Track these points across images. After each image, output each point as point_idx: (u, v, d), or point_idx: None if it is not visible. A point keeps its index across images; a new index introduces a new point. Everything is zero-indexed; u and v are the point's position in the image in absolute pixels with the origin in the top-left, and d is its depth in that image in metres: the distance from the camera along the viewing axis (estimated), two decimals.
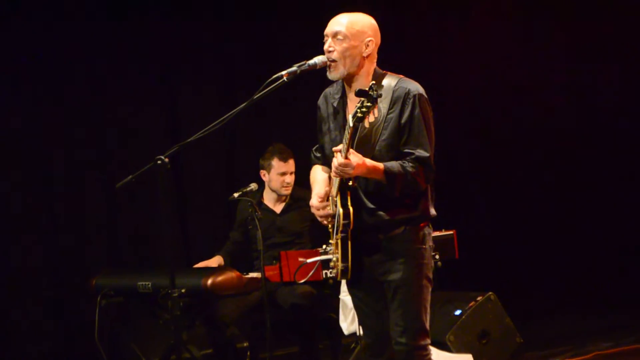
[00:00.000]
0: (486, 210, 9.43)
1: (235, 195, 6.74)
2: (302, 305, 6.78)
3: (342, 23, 4.56)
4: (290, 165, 7.29)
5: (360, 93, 4.24)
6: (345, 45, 4.53)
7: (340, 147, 4.44)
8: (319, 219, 4.70)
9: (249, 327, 7.09)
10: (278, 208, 7.37)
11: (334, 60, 4.55)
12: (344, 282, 4.82)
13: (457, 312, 7.01)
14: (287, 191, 7.31)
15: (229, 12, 8.67)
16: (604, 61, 9.36)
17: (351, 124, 4.29)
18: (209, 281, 6.40)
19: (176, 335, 5.42)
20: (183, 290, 5.21)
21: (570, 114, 9.49)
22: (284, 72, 4.60)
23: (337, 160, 4.39)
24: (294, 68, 4.61)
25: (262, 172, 7.36)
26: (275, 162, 7.27)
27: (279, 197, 7.36)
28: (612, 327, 8.26)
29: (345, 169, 4.37)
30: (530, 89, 9.45)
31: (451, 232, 6.86)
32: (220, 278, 6.45)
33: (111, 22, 8.17)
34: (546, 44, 9.43)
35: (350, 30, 4.54)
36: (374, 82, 4.28)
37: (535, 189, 9.51)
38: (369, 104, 4.23)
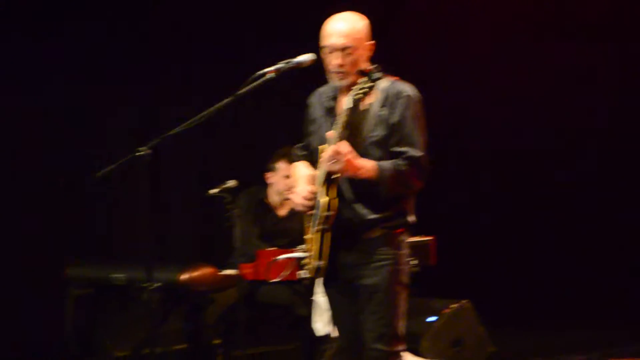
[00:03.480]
0: (466, 217, 9.41)
1: (213, 191, 6.65)
2: (280, 305, 6.75)
3: (346, 34, 4.51)
4: None
5: (360, 72, 4.34)
6: (354, 56, 4.52)
7: (331, 132, 4.42)
8: (302, 208, 4.62)
9: (223, 325, 7.05)
10: (282, 212, 7.31)
11: (344, 72, 4.54)
12: (318, 282, 4.77)
13: (432, 319, 7.00)
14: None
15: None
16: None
17: (351, 105, 4.35)
18: (185, 276, 6.37)
19: (149, 329, 5.38)
20: (159, 284, 5.18)
21: (552, 123, 9.48)
22: (270, 69, 4.58)
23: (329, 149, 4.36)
24: (280, 65, 4.60)
25: (269, 174, 7.27)
26: (284, 165, 7.17)
27: (282, 201, 7.28)
28: (584, 340, 8.27)
29: (338, 156, 4.33)
30: (514, 95, 9.43)
31: (430, 238, 6.85)
32: (196, 273, 6.43)
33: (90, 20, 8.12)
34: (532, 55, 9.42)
35: (356, 41, 4.52)
36: (375, 65, 4.34)
37: (517, 197, 9.50)
38: (370, 83, 4.35)
